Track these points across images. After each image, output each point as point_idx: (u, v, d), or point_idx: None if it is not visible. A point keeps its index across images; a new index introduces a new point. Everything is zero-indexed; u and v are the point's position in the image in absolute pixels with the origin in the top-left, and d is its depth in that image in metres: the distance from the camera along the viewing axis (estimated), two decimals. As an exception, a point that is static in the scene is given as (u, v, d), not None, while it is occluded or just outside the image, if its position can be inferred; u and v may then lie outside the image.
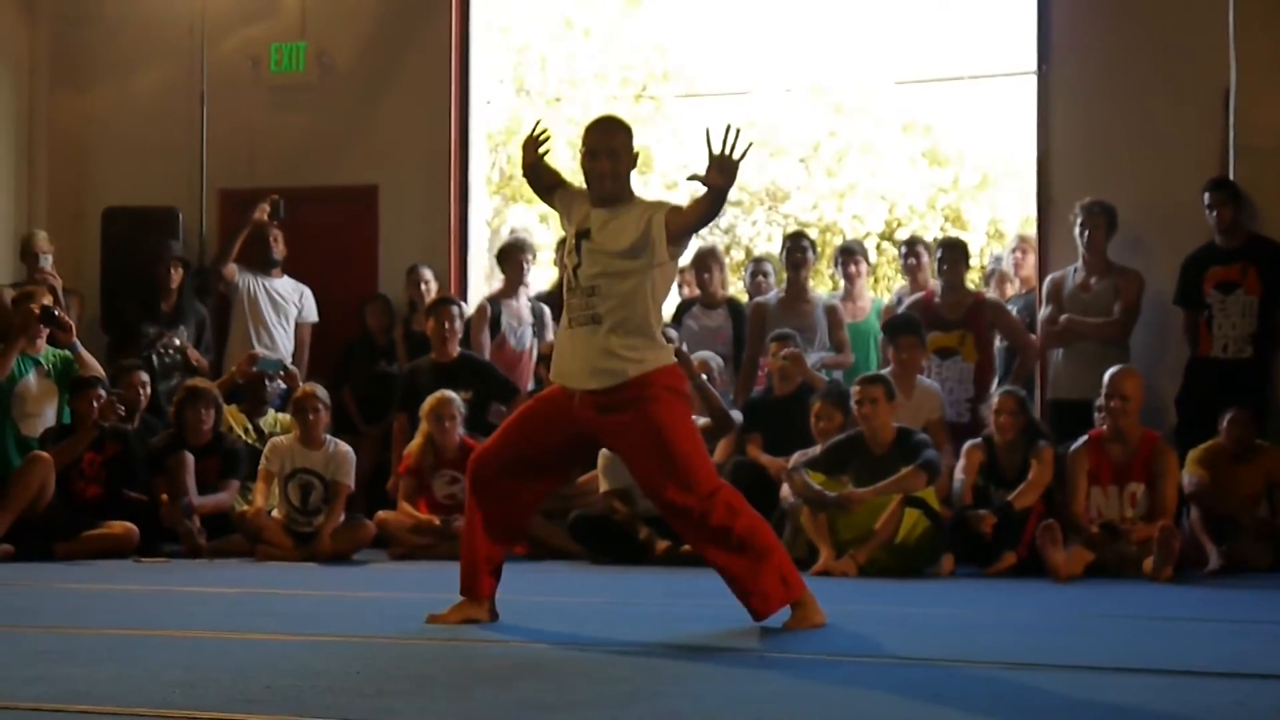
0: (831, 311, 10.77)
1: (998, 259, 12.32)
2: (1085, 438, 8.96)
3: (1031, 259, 11.17)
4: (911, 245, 11.61)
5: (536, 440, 5.80)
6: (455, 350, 10.53)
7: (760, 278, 11.66)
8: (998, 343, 10.60)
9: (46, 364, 10.21)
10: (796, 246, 10.99)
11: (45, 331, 10.20)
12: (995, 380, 10.38)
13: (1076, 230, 10.03)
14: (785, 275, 11.06)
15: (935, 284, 10.67)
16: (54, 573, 8.46)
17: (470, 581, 5.85)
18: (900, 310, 10.67)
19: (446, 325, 10.49)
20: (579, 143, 6.00)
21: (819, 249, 13.03)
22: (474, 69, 12.35)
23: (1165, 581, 8.19)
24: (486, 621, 5.80)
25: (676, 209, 5.73)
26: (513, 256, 11.18)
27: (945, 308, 10.38)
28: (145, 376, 10.56)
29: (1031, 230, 11.79)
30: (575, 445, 5.90)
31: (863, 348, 10.94)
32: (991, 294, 11.09)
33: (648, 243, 5.64)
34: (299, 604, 7.01)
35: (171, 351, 11.09)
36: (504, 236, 12.79)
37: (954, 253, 10.58)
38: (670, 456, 5.60)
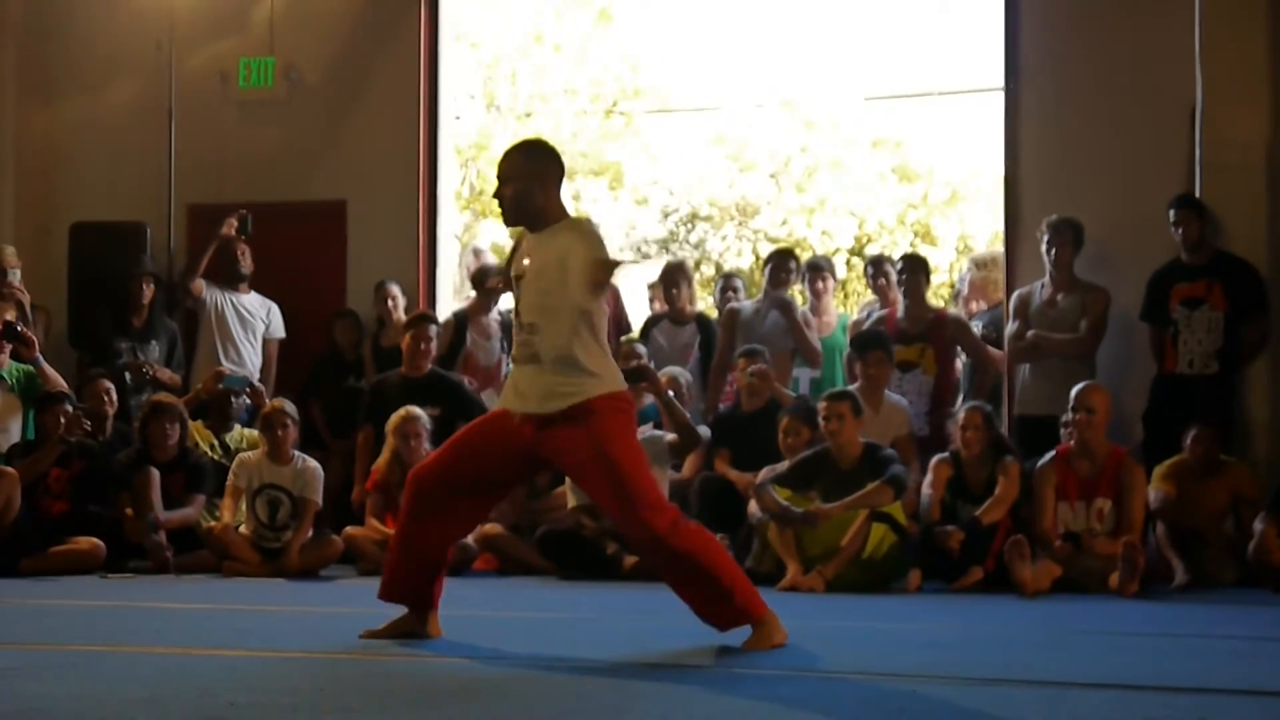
0: (802, 320, 10.78)
1: (963, 280, 12.34)
2: (1053, 453, 8.98)
3: (991, 275, 11.18)
4: (878, 263, 11.61)
5: (478, 458, 5.70)
6: (427, 367, 10.50)
7: (730, 293, 11.65)
8: (964, 359, 10.65)
9: (10, 379, 10.17)
10: (783, 265, 10.99)
11: (8, 347, 10.15)
12: (960, 395, 10.43)
13: (1043, 247, 10.08)
14: (760, 288, 11.06)
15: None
16: (19, 589, 8.41)
17: (402, 593, 5.82)
18: (866, 326, 10.69)
19: (422, 344, 10.46)
20: None
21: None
22: (443, 84, 12.34)
23: (1131, 597, 8.21)
24: (426, 635, 5.77)
25: (597, 262, 5.46)
26: (483, 283, 11.18)
27: (906, 321, 10.43)
28: (109, 385, 10.50)
29: (996, 247, 11.81)
30: (516, 463, 5.78)
31: (829, 363, 10.95)
32: (957, 311, 11.12)
33: (565, 277, 5.47)
34: (265, 620, 6.98)
35: (145, 371, 11.04)
36: (472, 250, 12.75)
37: (914, 268, 10.63)
38: (613, 470, 5.48)
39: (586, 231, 5.59)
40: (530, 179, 5.64)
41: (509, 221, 5.77)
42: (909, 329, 10.38)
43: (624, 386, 5.69)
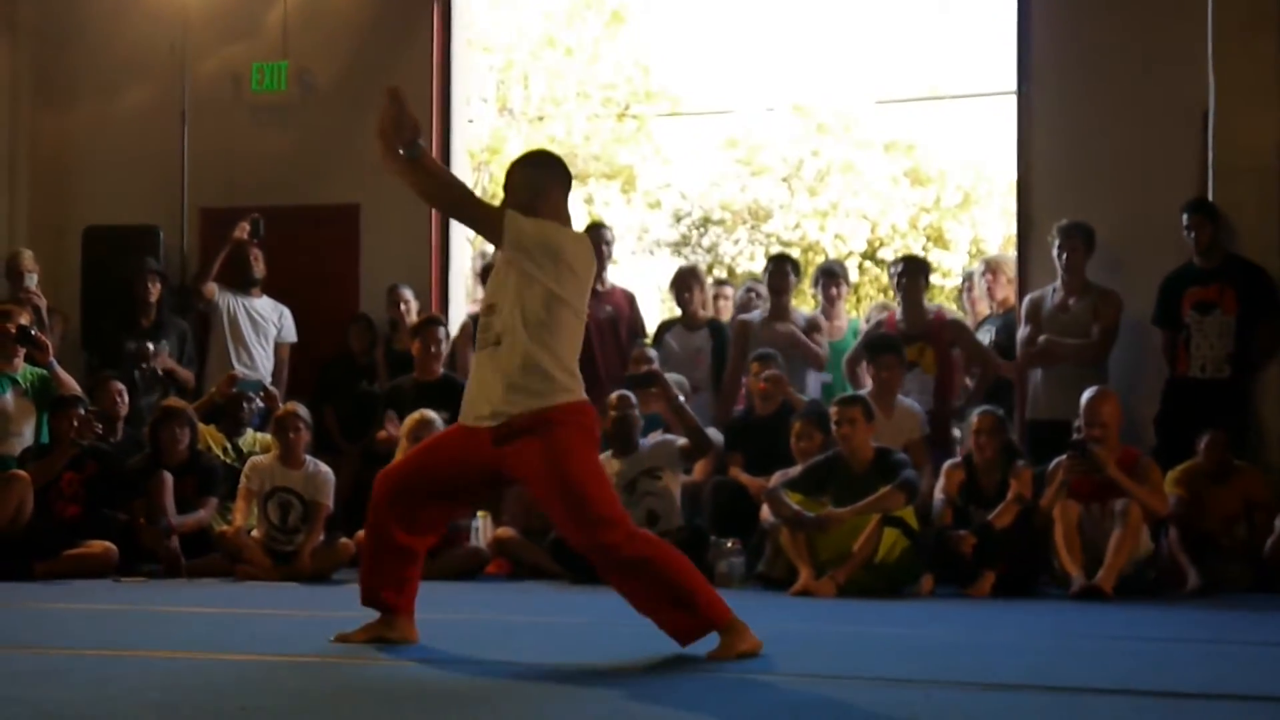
0: (812, 324, 10.79)
1: (968, 276, 12.33)
2: (1067, 455, 8.94)
3: (1002, 280, 11.16)
4: (829, 273, 11.70)
5: (443, 466, 5.66)
6: (439, 370, 10.52)
7: (753, 296, 11.62)
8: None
9: (24, 383, 10.19)
10: (779, 271, 10.97)
11: (22, 351, 10.17)
12: (963, 398, 10.41)
13: (1054, 251, 10.07)
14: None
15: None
16: (32, 592, 8.42)
17: (374, 597, 5.77)
18: (867, 330, 10.70)
19: (432, 347, 10.47)
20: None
21: (802, 268, 12.99)
22: (455, 87, 12.37)
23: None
24: (399, 640, 5.71)
25: None
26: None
27: (905, 322, 10.42)
28: (121, 386, 10.55)
29: (1008, 252, 11.80)
30: (481, 477, 5.72)
31: (840, 367, 10.93)
32: (959, 313, 11.12)
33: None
34: (277, 624, 6.99)
35: (152, 367, 11.06)
36: (482, 252, 12.76)
37: (912, 271, 10.60)
38: (568, 486, 5.36)
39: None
40: (530, 191, 5.65)
41: None
42: (908, 329, 10.37)
43: (585, 398, 5.58)
